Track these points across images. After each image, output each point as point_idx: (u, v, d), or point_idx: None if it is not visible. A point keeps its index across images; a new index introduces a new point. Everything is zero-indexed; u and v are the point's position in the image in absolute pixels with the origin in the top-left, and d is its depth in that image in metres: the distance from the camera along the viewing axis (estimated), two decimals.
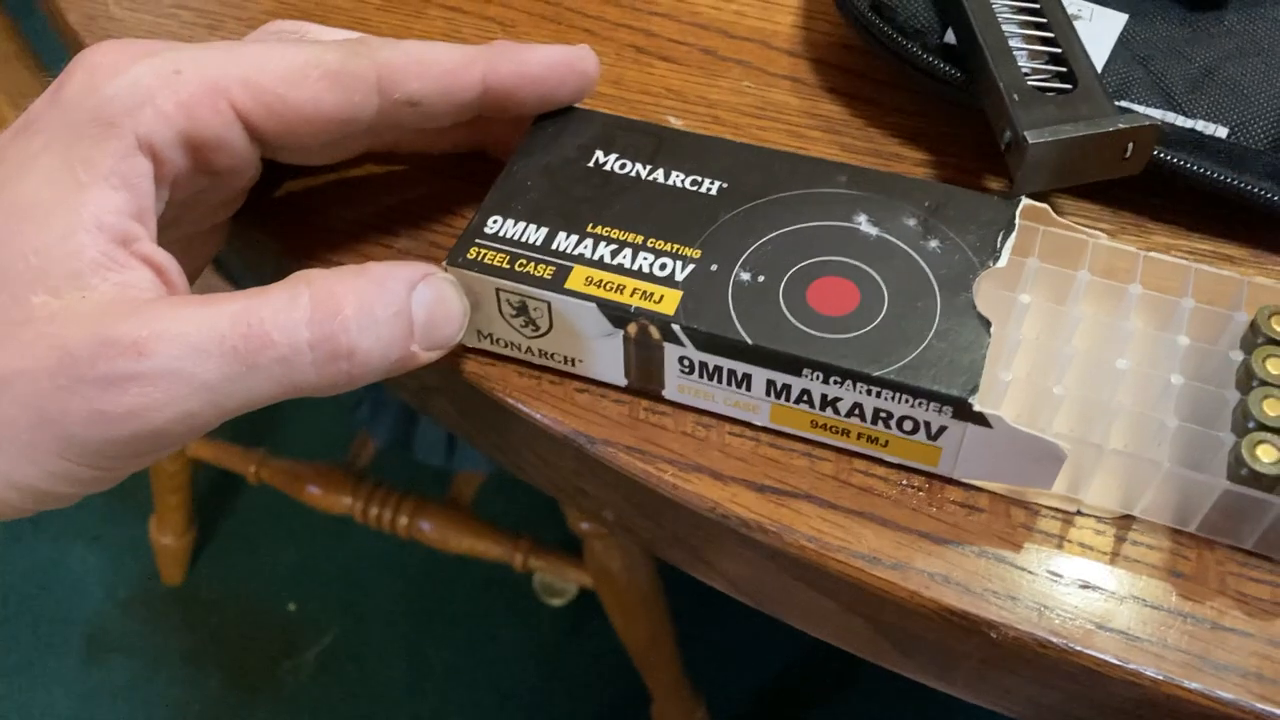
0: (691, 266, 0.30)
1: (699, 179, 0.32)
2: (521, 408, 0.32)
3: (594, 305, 0.30)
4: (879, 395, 0.28)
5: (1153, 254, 0.31)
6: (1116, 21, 0.37)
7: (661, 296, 0.29)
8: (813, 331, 0.29)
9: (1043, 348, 0.30)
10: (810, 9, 0.42)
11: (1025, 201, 0.31)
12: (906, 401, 0.28)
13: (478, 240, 0.31)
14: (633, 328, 0.30)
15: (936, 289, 0.29)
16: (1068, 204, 0.36)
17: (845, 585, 0.29)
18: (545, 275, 0.30)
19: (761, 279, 0.30)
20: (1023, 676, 0.29)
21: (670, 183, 0.32)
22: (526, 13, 0.42)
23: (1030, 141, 0.31)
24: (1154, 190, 0.35)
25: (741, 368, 0.29)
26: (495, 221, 0.31)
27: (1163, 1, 0.38)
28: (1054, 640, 0.27)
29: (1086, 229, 0.32)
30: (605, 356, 0.31)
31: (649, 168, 0.32)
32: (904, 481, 0.30)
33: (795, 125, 0.38)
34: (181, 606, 1.22)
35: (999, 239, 0.30)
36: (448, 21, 0.42)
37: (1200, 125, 0.35)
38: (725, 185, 0.32)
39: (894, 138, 0.38)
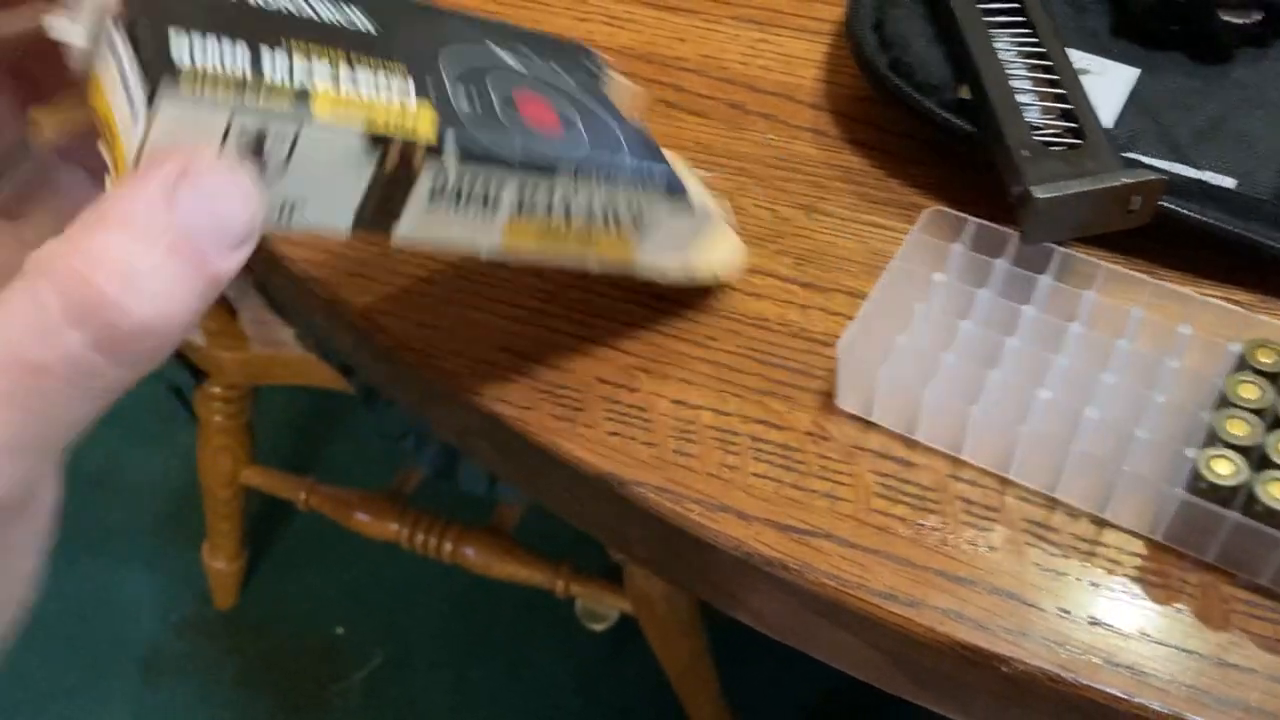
0: (412, 86, 0.27)
1: (351, 18, 0.28)
2: (556, 449, 0.34)
3: (355, 132, 0.25)
4: (610, 192, 0.30)
5: (1162, 284, 0.33)
6: (1129, 76, 0.39)
7: (415, 117, 0.26)
8: (549, 141, 0.29)
9: (1036, 356, 0.32)
10: (833, 64, 0.44)
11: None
12: (636, 193, 0.31)
13: (170, 62, 0.23)
14: (393, 154, 0.26)
15: (594, 103, 0.32)
16: (1081, 252, 0.37)
17: (863, 621, 0.31)
18: (284, 104, 0.24)
19: (478, 101, 0.28)
20: (1036, 710, 0.30)
21: (322, 18, 0.27)
22: None
23: (1037, 196, 0.33)
24: (1164, 238, 0.36)
25: (493, 187, 0.28)
26: (179, 37, 0.23)
27: (1173, 55, 0.39)
28: (1064, 675, 0.29)
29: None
30: (338, 196, 0.26)
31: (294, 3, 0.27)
32: (920, 521, 0.32)
33: (817, 176, 0.40)
34: (233, 630, 1.25)
35: (599, 67, 0.34)
36: None
37: (1208, 176, 0.36)
38: (378, 27, 0.28)
39: (912, 188, 0.39)
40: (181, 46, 0.23)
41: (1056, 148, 0.35)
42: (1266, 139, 0.36)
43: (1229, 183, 0.36)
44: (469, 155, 0.27)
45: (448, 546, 1.02)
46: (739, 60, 0.44)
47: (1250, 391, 0.31)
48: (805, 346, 0.36)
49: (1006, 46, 0.38)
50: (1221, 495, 0.29)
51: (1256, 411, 0.30)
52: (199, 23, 0.24)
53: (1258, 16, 0.38)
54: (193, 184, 0.22)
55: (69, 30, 0.24)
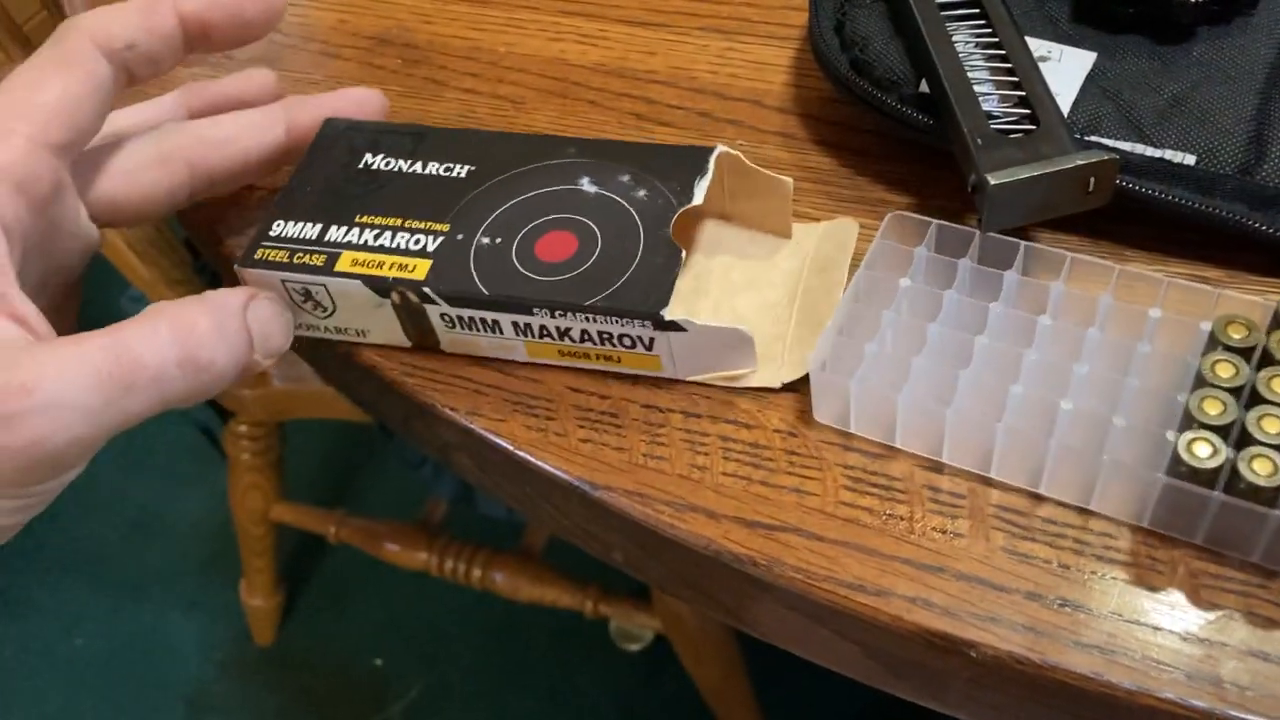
0: (441, 238, 0.36)
1: (451, 165, 0.38)
2: (530, 459, 0.34)
3: (359, 281, 0.35)
4: (595, 320, 0.34)
5: (1129, 268, 0.33)
6: (1086, 60, 0.39)
7: (415, 266, 0.35)
8: (539, 277, 0.34)
9: (1007, 353, 0.32)
10: (800, 68, 0.44)
11: (720, 149, 0.36)
12: (617, 322, 0.33)
13: (263, 243, 0.36)
14: (396, 295, 0.35)
15: (641, 230, 0.35)
16: (1046, 236, 0.37)
17: (832, 613, 0.31)
18: (318, 263, 0.35)
19: (499, 240, 0.35)
20: (1007, 694, 0.30)
21: (427, 172, 0.38)
22: (535, 90, 0.45)
23: (991, 183, 0.33)
24: (1129, 219, 0.36)
25: (489, 315, 0.35)
26: (279, 225, 0.37)
27: (1132, 37, 0.39)
28: (1030, 657, 0.29)
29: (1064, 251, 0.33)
30: (384, 324, 0.36)
31: (409, 162, 0.38)
32: (888, 512, 0.32)
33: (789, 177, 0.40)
34: (274, 666, 1.26)
35: (695, 182, 0.36)
36: (463, 103, 0.45)
37: (1168, 154, 0.36)
38: (473, 168, 0.38)
39: (879, 185, 0.40)
40: (277, 229, 0.36)
41: (1013, 135, 0.35)
42: (1228, 114, 0.36)
43: (1190, 159, 0.36)
44: (441, 295, 0.34)
45: (476, 573, 1.02)
46: (708, 70, 0.45)
47: (1226, 370, 0.30)
48: None
49: (965, 38, 0.38)
50: (1203, 477, 0.29)
51: (1234, 390, 0.30)
52: (296, 214, 0.37)
53: None
54: (257, 303, 0.33)
55: None
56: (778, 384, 0.34)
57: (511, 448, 0.34)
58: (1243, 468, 0.28)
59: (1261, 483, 0.28)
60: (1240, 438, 0.29)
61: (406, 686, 1.23)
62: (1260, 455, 0.28)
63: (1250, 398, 0.30)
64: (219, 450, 1.10)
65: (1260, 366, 0.30)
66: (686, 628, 0.96)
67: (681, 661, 0.99)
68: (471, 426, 0.35)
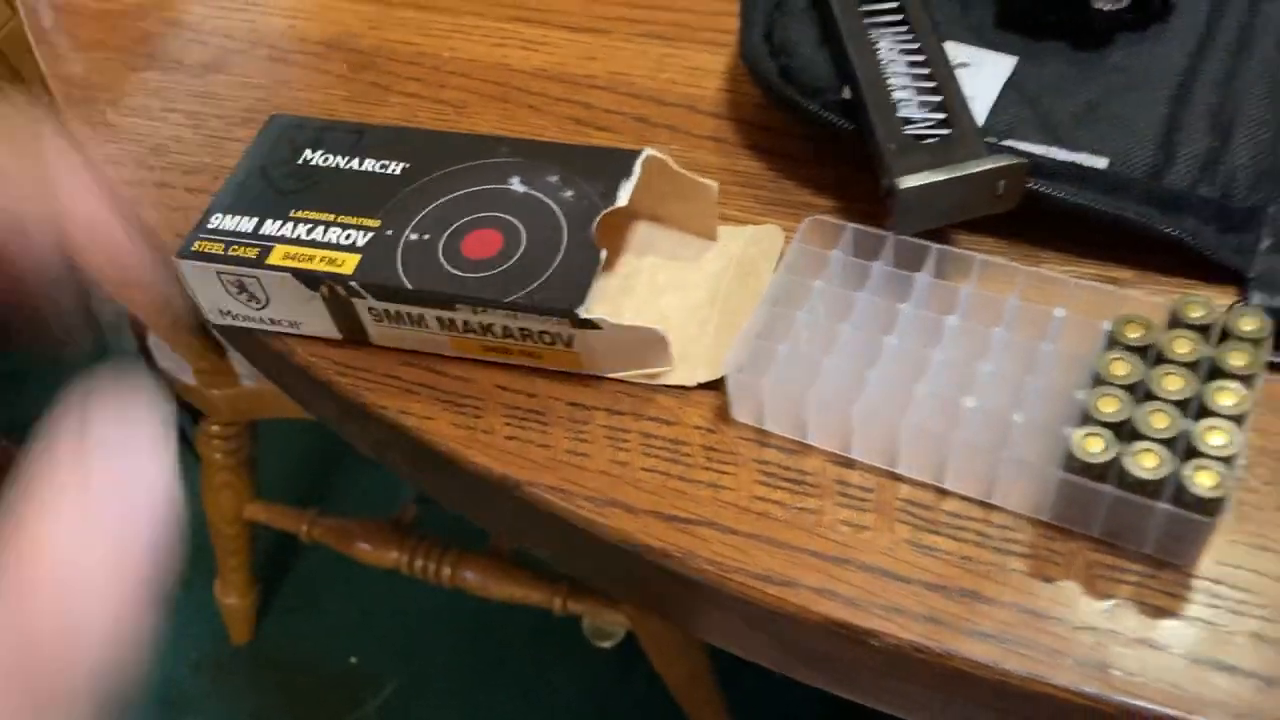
0: (371, 234, 0.37)
1: (387, 162, 0.39)
2: (456, 453, 0.35)
3: (289, 274, 0.36)
4: (515, 316, 0.35)
5: (1040, 269, 0.34)
6: (1005, 65, 0.40)
7: (344, 261, 0.36)
8: (462, 274, 0.35)
9: (914, 353, 0.33)
10: (734, 74, 0.45)
11: (647, 152, 0.38)
12: (537, 319, 0.35)
13: (200, 235, 0.38)
14: (325, 289, 0.36)
15: (565, 230, 0.36)
16: (964, 238, 0.38)
17: (742, 603, 0.32)
18: (251, 256, 0.37)
19: (427, 237, 0.37)
20: (912, 682, 0.31)
21: (364, 168, 0.39)
22: (477, 94, 0.46)
23: (900, 187, 0.34)
24: (1045, 222, 0.37)
25: (414, 310, 0.36)
26: (216, 218, 0.38)
27: (1054, 45, 0.40)
28: (930, 645, 0.30)
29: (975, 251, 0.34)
30: (316, 316, 0.37)
31: (348, 159, 0.39)
32: (798, 506, 0.33)
33: (715, 182, 0.41)
34: (250, 665, 1.27)
35: (620, 185, 0.37)
36: (406, 107, 0.46)
37: (1081, 158, 0.37)
38: (408, 165, 0.39)
39: (804, 188, 0.41)
40: (215, 222, 0.38)
41: (928, 140, 0.36)
42: (1141, 119, 0.37)
43: (1101, 163, 0.37)
44: (367, 289, 0.36)
45: (446, 570, 1.03)
46: (646, 75, 0.46)
47: (1121, 368, 0.32)
48: None
49: (889, 46, 0.39)
50: (1095, 471, 0.30)
51: (1128, 387, 0.31)
52: (234, 208, 0.38)
53: (1127, 2, 0.38)
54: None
55: None
56: (693, 383, 0.35)
57: (439, 444, 0.35)
58: (1128, 462, 0.29)
59: (1147, 476, 0.29)
60: (1131, 433, 0.30)
61: (382, 684, 1.24)
62: (1147, 450, 0.29)
63: (1145, 395, 0.31)
64: (192, 451, 1.11)
65: (1155, 364, 0.31)
66: (653, 625, 0.97)
67: (650, 658, 1.00)
68: (402, 424, 0.36)
